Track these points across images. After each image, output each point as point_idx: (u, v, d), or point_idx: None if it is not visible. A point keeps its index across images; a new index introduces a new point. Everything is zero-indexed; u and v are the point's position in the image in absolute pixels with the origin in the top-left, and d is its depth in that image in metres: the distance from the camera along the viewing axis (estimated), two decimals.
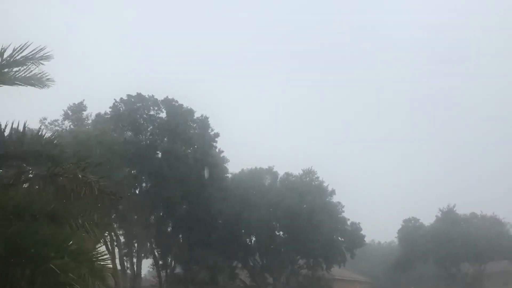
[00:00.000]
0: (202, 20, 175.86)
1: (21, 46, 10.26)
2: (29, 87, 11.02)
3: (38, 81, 11.05)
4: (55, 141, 10.39)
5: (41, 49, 10.63)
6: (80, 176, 10.18)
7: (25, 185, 11.00)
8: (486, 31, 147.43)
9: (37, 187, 11.00)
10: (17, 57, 10.20)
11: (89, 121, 43.43)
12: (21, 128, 10.18)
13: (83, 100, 43.61)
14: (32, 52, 10.43)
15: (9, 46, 10.24)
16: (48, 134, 10.81)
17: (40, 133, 10.44)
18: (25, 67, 10.51)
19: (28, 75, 10.66)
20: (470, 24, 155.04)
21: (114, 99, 44.31)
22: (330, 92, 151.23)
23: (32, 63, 10.56)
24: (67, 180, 9.96)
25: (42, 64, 10.83)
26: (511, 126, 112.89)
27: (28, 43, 10.40)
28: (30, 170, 10.83)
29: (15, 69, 10.42)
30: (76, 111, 42.93)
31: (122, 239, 43.29)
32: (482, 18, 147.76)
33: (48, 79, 11.06)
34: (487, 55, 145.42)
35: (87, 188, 10.22)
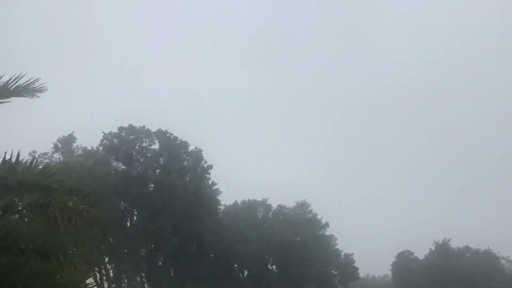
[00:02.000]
0: (198, 54, 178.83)
1: (16, 77, 10.18)
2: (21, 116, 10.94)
3: (30, 91, 10.88)
4: (47, 171, 10.25)
5: (36, 80, 10.58)
6: (70, 205, 10.00)
7: (15, 217, 10.80)
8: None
9: (26, 219, 10.77)
10: (12, 87, 10.11)
11: (79, 153, 43.19)
12: (13, 159, 10.09)
13: (73, 132, 43.56)
14: (27, 83, 10.34)
15: (3, 76, 10.19)
16: (39, 164, 10.62)
17: (33, 163, 10.30)
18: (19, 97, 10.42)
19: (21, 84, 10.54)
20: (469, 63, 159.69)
21: (103, 132, 44.22)
22: (325, 124, 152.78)
23: (27, 95, 10.43)
24: (57, 209, 9.77)
25: (38, 96, 10.71)
26: (508, 160, 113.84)
27: (22, 74, 10.32)
28: (19, 201, 10.65)
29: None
30: (65, 143, 42.72)
31: (111, 273, 42.32)
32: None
33: (40, 88, 10.86)
34: (488, 97, 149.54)
35: (78, 217, 10.02)
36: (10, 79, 10.25)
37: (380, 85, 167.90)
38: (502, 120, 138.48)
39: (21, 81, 10.48)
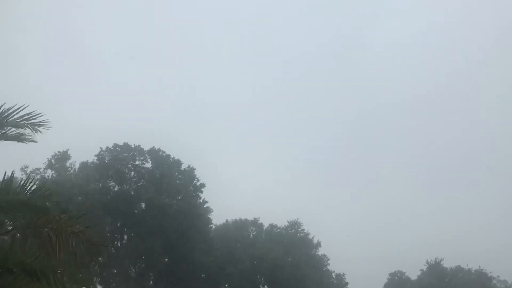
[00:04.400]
0: (191, 71, 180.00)
1: (17, 108, 10.25)
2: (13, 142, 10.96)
3: (21, 138, 10.96)
4: (41, 192, 10.26)
5: (38, 114, 10.58)
6: (67, 227, 9.98)
7: (6, 237, 10.75)
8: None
9: (18, 239, 10.73)
10: (12, 119, 10.16)
11: (73, 170, 43.08)
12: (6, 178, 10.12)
13: (68, 149, 43.49)
14: (28, 116, 10.37)
15: (3, 105, 10.25)
16: (33, 184, 10.60)
17: (27, 183, 10.31)
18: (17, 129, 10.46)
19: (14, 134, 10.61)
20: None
21: (100, 148, 44.36)
22: (317, 143, 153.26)
23: (29, 128, 10.47)
24: (52, 231, 9.76)
25: (40, 131, 10.75)
26: (501, 178, 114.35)
27: (25, 105, 10.36)
28: (10, 221, 10.61)
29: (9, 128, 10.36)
30: (60, 160, 42.62)
31: None
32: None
33: (31, 138, 10.96)
34: (478, 110, 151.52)
35: (73, 239, 10.00)
36: (8, 109, 10.28)
37: (376, 100, 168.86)
38: (498, 142, 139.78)
39: (23, 113, 10.49)
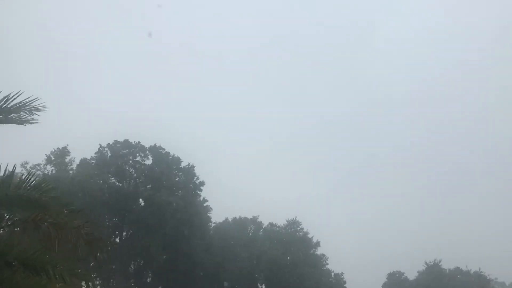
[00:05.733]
0: (193, 69, 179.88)
1: (13, 95, 10.26)
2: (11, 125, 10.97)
3: (19, 120, 10.98)
4: (42, 187, 10.26)
5: (35, 99, 10.65)
6: (66, 222, 9.96)
7: (5, 230, 10.74)
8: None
9: (17, 234, 10.71)
10: (9, 105, 10.18)
11: (73, 166, 43.12)
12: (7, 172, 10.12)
13: (67, 145, 43.51)
14: (25, 101, 10.43)
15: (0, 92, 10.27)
16: (33, 180, 10.60)
17: (27, 178, 10.31)
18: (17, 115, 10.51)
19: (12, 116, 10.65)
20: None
21: (99, 144, 44.30)
22: (318, 143, 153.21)
23: (25, 112, 10.54)
24: (51, 226, 9.75)
25: (37, 114, 10.82)
26: (501, 181, 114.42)
27: (21, 92, 10.42)
28: (10, 216, 10.61)
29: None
30: (59, 156, 42.61)
31: None
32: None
33: (31, 119, 11.00)
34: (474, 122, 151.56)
35: (73, 235, 9.98)
36: (6, 97, 10.29)
37: (377, 101, 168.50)
38: (498, 144, 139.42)
39: (20, 99, 10.51)
